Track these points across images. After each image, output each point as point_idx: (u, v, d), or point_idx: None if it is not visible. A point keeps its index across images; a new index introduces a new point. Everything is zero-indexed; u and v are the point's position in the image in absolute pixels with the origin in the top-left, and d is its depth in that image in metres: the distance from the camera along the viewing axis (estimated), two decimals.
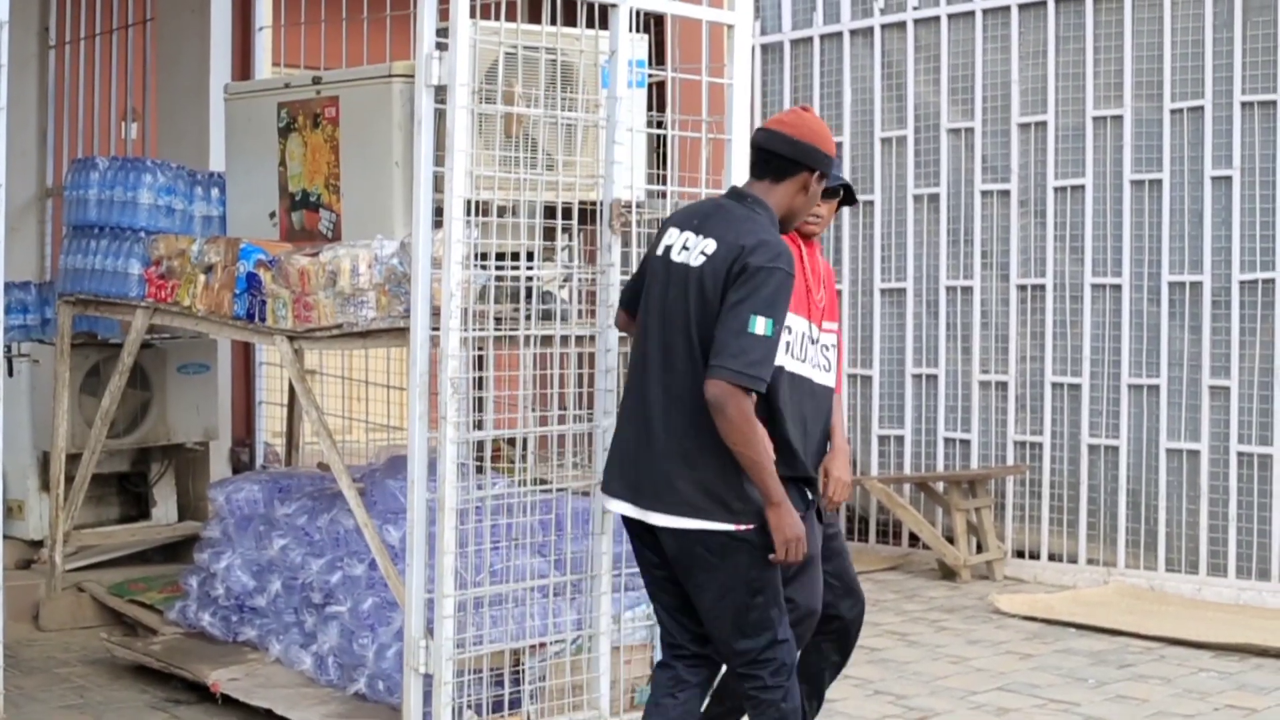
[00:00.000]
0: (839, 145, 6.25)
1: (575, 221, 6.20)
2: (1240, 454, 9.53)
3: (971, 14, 10.62)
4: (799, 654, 5.42)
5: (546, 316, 6.13)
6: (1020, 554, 10.36)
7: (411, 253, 5.88)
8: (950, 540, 10.22)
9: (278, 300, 6.57)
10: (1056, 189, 10.26)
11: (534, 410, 6.70)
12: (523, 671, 6.13)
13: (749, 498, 4.90)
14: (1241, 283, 9.53)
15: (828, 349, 5.51)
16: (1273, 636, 8.45)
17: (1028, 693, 7.47)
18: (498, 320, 5.97)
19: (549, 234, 6.34)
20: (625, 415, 5.15)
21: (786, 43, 11.56)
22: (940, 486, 10.40)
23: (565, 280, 6.50)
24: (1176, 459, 9.78)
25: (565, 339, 6.14)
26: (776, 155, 5.05)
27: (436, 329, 5.75)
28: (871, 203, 10.98)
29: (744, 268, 4.80)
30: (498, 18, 5.87)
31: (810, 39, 11.44)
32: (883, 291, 11.06)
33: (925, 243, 10.78)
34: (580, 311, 6.32)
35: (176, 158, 8.76)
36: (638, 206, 6.28)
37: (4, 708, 6.32)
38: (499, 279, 6.03)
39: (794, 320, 5.26)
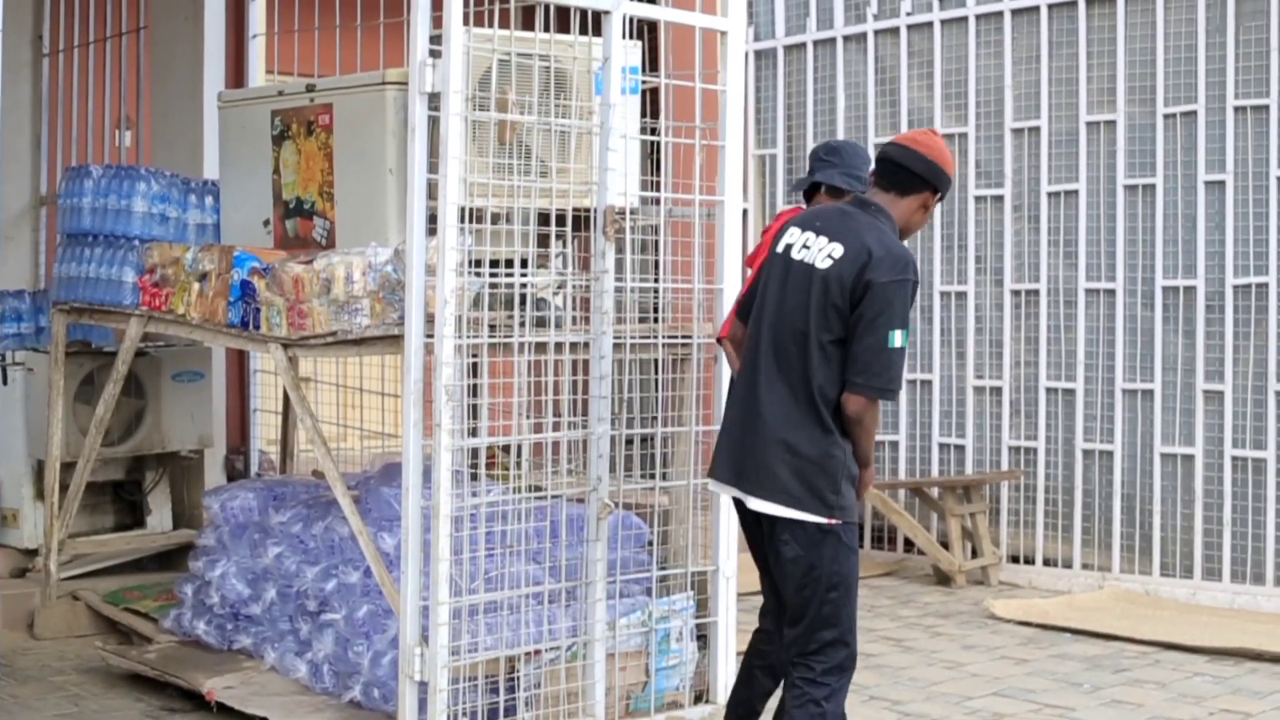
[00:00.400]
0: (823, 145, 6.32)
1: (569, 228, 6.20)
2: (1235, 458, 9.54)
3: (965, 19, 10.63)
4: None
5: (541, 323, 6.14)
6: (1015, 559, 10.37)
7: (406, 260, 5.88)
8: (945, 545, 10.23)
9: (272, 308, 6.57)
10: (1050, 194, 10.27)
11: (528, 417, 6.69)
12: (518, 678, 6.13)
13: (843, 493, 5.18)
14: (1235, 287, 9.53)
15: None
16: (1268, 640, 8.46)
17: (1023, 698, 7.47)
18: (492, 327, 5.98)
19: (543, 241, 6.34)
20: (733, 403, 5.40)
21: (780, 49, 11.57)
22: (935, 492, 10.40)
23: (559, 287, 6.51)
24: (1171, 463, 9.79)
25: (560, 346, 6.14)
26: (907, 170, 5.28)
27: (431, 336, 5.75)
28: None
29: (872, 282, 5.03)
30: (491, 25, 5.88)
31: (804, 45, 11.44)
32: None
33: (919, 248, 10.78)
34: (575, 318, 6.33)
35: (170, 165, 8.75)
36: (631, 213, 6.29)
37: None
38: (493, 286, 6.04)
39: None
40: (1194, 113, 9.69)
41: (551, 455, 6.19)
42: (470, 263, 5.86)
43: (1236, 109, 9.53)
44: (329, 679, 6.72)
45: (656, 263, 6.99)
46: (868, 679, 7.67)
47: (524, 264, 6.06)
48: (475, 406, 6.20)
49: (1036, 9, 10.30)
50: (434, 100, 5.76)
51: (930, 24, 10.79)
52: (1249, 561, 9.48)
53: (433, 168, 5.76)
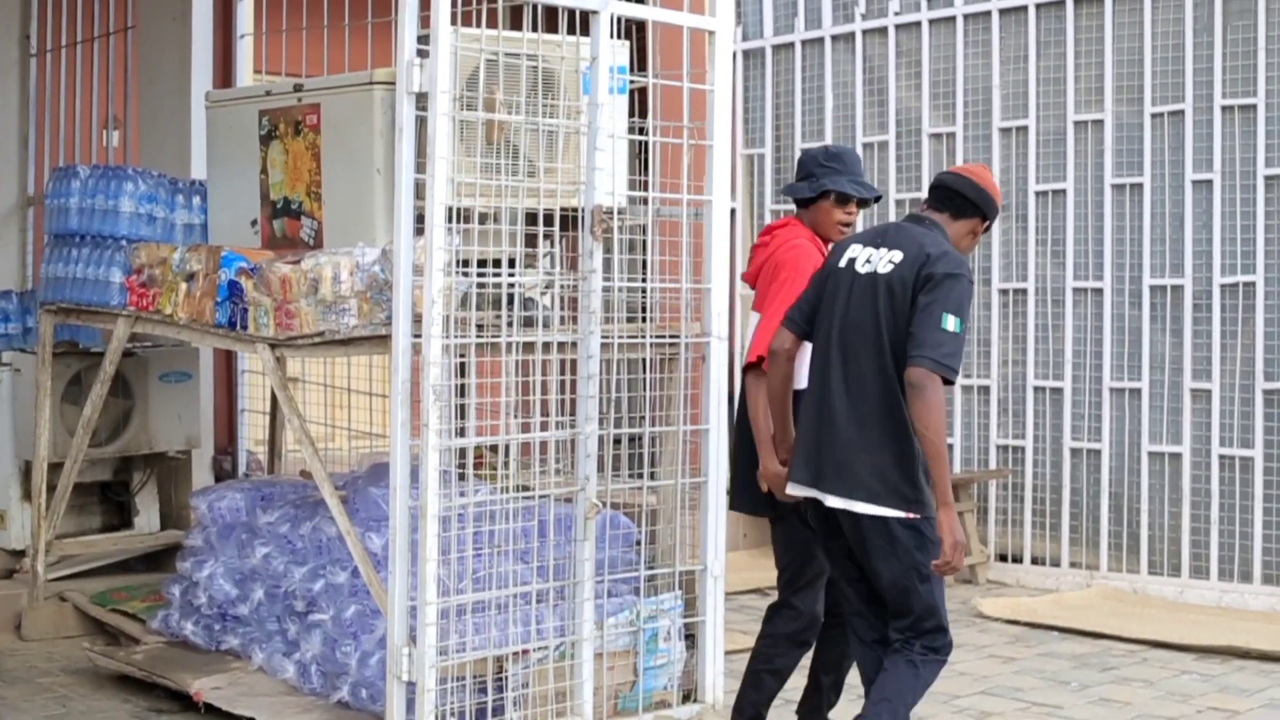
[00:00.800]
0: (824, 150, 6.33)
1: (557, 228, 6.20)
2: (1222, 456, 9.56)
3: (953, 19, 10.64)
4: (820, 643, 6.24)
5: (529, 323, 6.13)
6: (1003, 558, 10.38)
7: (393, 260, 5.88)
8: None
9: (259, 308, 6.56)
10: (1038, 193, 10.28)
11: (516, 417, 6.69)
12: (506, 678, 6.12)
13: (920, 488, 5.39)
14: (1222, 286, 9.55)
15: None
16: (1255, 638, 8.48)
17: (1011, 696, 7.48)
18: (480, 327, 5.97)
19: (531, 240, 6.33)
20: (807, 411, 5.61)
21: (768, 48, 11.57)
22: None
23: (547, 287, 6.50)
24: (1158, 462, 9.81)
25: (547, 346, 6.14)
26: (962, 196, 5.67)
27: (418, 336, 5.74)
28: None
29: (931, 274, 5.39)
30: (479, 24, 5.87)
31: (792, 45, 11.45)
32: None
33: None
34: (562, 318, 6.32)
35: (158, 166, 8.75)
36: (619, 213, 6.28)
37: None
38: (481, 286, 6.03)
39: None
40: (1181, 112, 9.71)
41: (539, 455, 6.19)
42: (458, 262, 5.86)
43: (1224, 108, 9.55)
44: (317, 679, 6.71)
45: (644, 262, 6.99)
46: (855, 677, 7.66)
47: (511, 264, 6.05)
48: (463, 406, 6.19)
49: (1024, 9, 10.32)
50: (421, 100, 5.75)
51: (918, 24, 10.80)
52: (1236, 560, 9.50)
53: (420, 167, 5.75)
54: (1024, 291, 10.35)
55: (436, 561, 5.74)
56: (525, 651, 6.15)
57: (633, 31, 6.68)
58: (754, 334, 6.06)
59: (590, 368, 6.07)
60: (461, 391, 6.12)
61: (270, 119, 7.11)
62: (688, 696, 6.75)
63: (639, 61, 7.15)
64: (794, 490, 5.65)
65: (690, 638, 6.74)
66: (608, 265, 6.15)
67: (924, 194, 5.85)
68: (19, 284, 9.92)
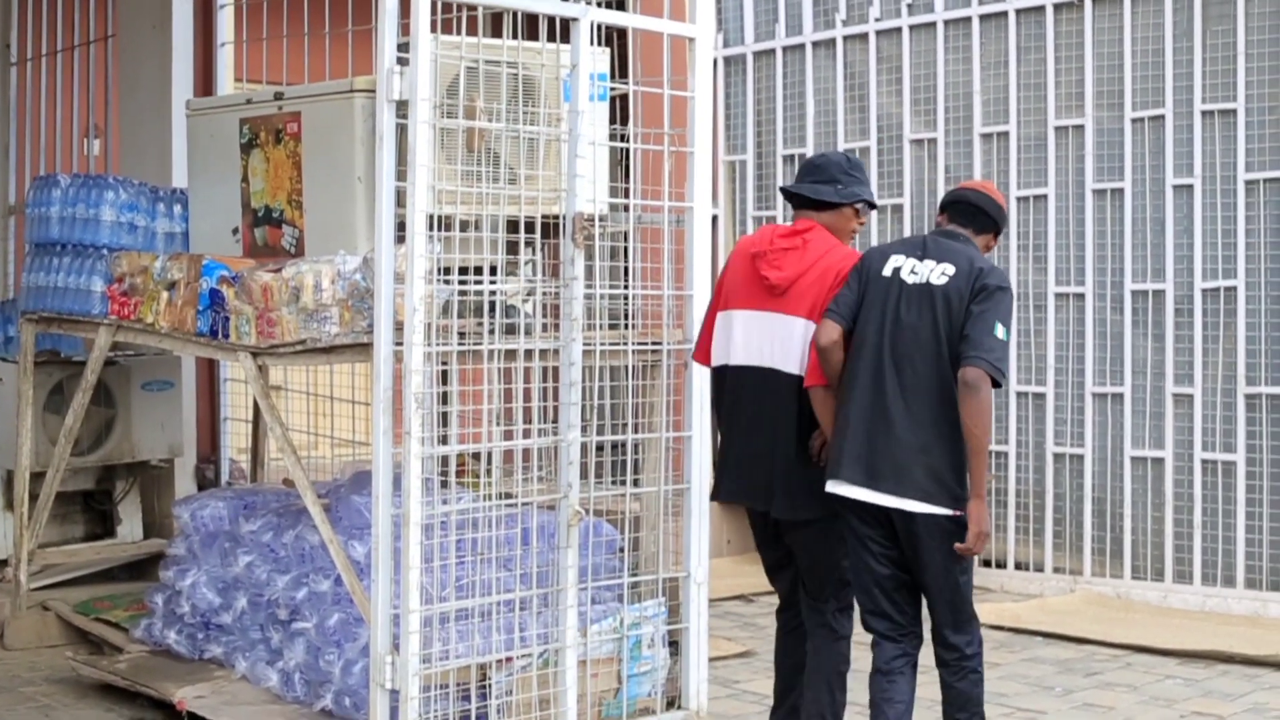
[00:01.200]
0: (846, 157, 6.31)
1: (538, 235, 6.20)
2: (1204, 461, 9.58)
3: (933, 25, 10.66)
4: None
5: (510, 331, 6.13)
6: (987, 563, 10.38)
7: (374, 268, 5.87)
8: None
9: (241, 316, 6.56)
10: (1019, 199, 10.29)
11: (499, 424, 6.69)
12: (489, 686, 6.12)
13: (966, 486, 5.64)
14: (1203, 291, 9.57)
15: None
16: (1238, 643, 8.49)
17: (995, 701, 7.48)
18: (461, 335, 5.97)
19: (512, 248, 6.33)
20: (855, 415, 5.74)
21: (749, 55, 11.59)
22: None
23: (529, 294, 6.50)
24: (1141, 467, 9.82)
25: (529, 353, 6.14)
26: (985, 212, 5.98)
27: (400, 344, 5.74)
28: None
29: (985, 286, 5.69)
30: (459, 32, 5.87)
31: (773, 51, 11.46)
32: None
33: None
34: (544, 325, 6.32)
35: (139, 174, 8.74)
36: (601, 220, 6.28)
37: None
38: (462, 293, 6.03)
39: None
40: (1162, 117, 9.73)
41: (522, 462, 6.19)
42: (439, 270, 5.86)
43: (1204, 113, 9.57)
44: (300, 688, 6.70)
45: (626, 269, 6.99)
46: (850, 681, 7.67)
47: (493, 271, 6.05)
48: (445, 414, 6.19)
49: (1004, 14, 10.34)
50: (402, 108, 5.75)
51: (899, 30, 10.82)
52: (1219, 564, 9.51)
53: (401, 175, 5.75)
54: None
55: (419, 569, 5.73)
56: (509, 659, 6.15)
57: (613, 38, 6.68)
58: (811, 350, 5.88)
59: (572, 375, 6.06)
60: (444, 399, 6.12)
61: (251, 127, 7.10)
62: (672, 703, 6.75)
63: (620, 68, 7.17)
64: (842, 489, 5.75)
65: (674, 644, 6.74)
66: (589, 272, 6.14)
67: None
68: (0, 293, 9.90)
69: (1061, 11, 10.11)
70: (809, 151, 11.06)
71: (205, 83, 10.09)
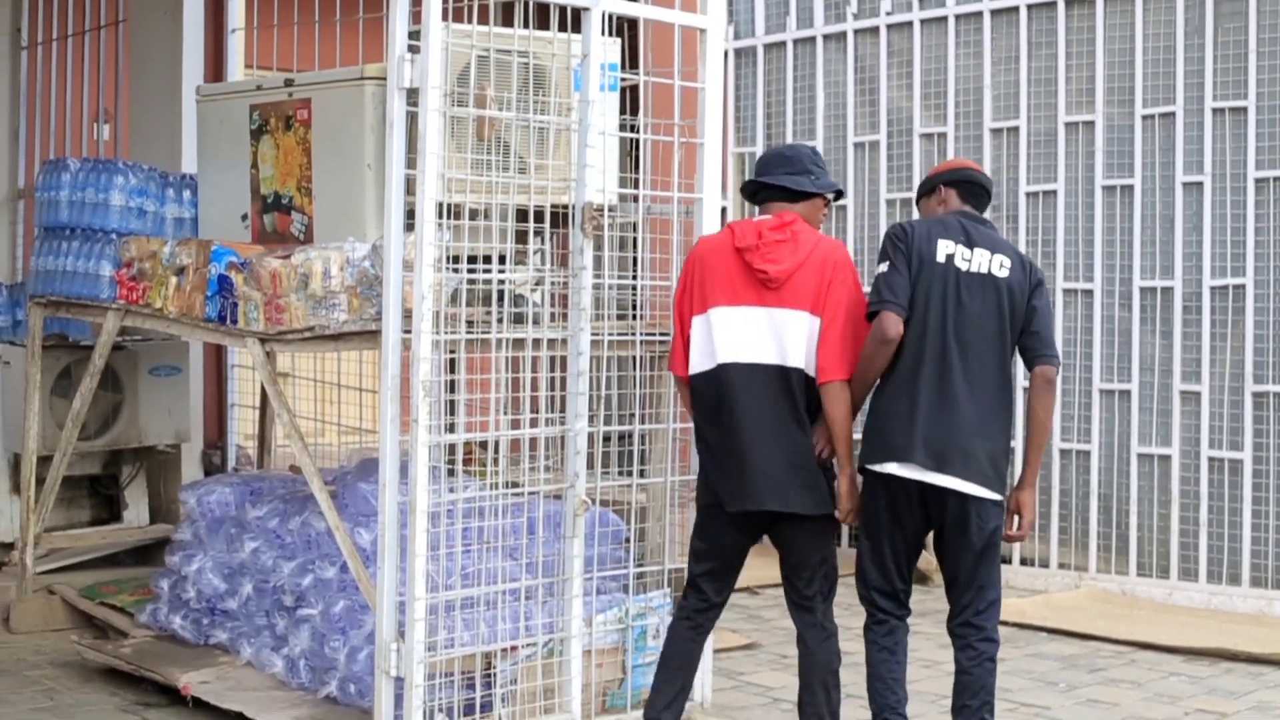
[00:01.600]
0: (812, 149, 6.23)
1: (547, 225, 6.18)
2: (1211, 459, 9.57)
3: (944, 19, 10.65)
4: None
5: (518, 320, 6.13)
6: None
7: (383, 255, 5.87)
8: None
9: (249, 302, 6.56)
10: (1028, 194, 10.28)
11: (506, 413, 6.69)
12: (494, 675, 6.13)
13: (1007, 474, 5.89)
14: (1212, 288, 9.56)
15: None
16: (1243, 641, 8.49)
17: (1000, 696, 7.43)
18: (469, 323, 5.96)
19: (521, 237, 6.34)
20: (922, 398, 5.77)
21: (760, 47, 11.58)
22: None
23: (537, 283, 6.50)
24: (1148, 464, 9.82)
25: (537, 342, 6.13)
26: (987, 194, 6.14)
27: (408, 332, 5.74)
28: (844, 207, 11.00)
29: (1040, 281, 5.93)
30: (470, 21, 5.87)
31: (783, 44, 11.45)
32: None
33: None
34: (552, 315, 6.31)
35: (148, 159, 8.73)
36: (610, 210, 6.28)
37: None
38: (471, 282, 6.02)
39: None
40: (1172, 114, 9.72)
41: (529, 451, 6.19)
42: (448, 258, 5.85)
43: (1215, 111, 9.56)
44: (305, 674, 6.71)
45: (635, 260, 6.99)
46: (844, 677, 7.66)
47: (502, 260, 6.06)
48: (452, 402, 6.18)
49: (1016, 9, 10.32)
50: (412, 95, 5.74)
51: (910, 24, 10.81)
52: (1225, 562, 9.51)
53: (411, 163, 5.75)
54: None
55: (425, 557, 5.73)
56: (514, 648, 6.15)
57: (624, 29, 6.68)
58: (825, 345, 5.78)
59: (580, 365, 6.07)
60: (451, 387, 6.12)
61: (261, 113, 7.10)
62: None
63: (630, 59, 7.16)
64: (906, 472, 5.76)
65: None
66: (598, 262, 6.15)
67: (915, 195, 5.87)
68: (9, 277, 9.91)
69: (1073, 7, 10.09)
70: (819, 146, 11.04)
71: (216, 69, 10.10)
